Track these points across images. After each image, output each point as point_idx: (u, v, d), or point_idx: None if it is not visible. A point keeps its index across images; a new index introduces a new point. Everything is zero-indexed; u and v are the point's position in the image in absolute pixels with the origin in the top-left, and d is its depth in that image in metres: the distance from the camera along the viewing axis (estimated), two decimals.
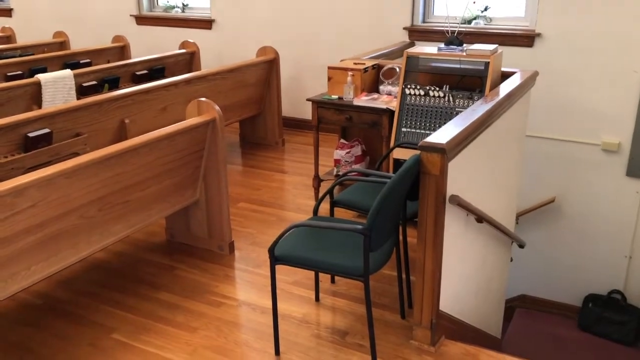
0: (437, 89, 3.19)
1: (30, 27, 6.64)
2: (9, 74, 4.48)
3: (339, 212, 2.81)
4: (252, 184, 4.18)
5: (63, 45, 5.65)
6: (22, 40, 6.15)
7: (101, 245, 2.67)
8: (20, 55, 5.05)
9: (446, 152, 2.08)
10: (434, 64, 3.29)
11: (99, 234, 2.59)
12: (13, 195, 2.10)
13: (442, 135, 2.19)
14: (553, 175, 4.46)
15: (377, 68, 3.75)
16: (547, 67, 4.09)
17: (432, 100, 3.19)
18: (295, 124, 5.36)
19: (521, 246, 3.61)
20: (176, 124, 2.82)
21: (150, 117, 3.79)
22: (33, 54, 5.11)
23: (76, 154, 3.18)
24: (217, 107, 2.96)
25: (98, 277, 2.97)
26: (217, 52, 5.60)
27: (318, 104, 3.62)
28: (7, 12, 6.92)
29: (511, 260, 3.76)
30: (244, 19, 5.46)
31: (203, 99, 2.98)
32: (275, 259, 2.20)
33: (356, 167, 3.74)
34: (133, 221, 2.78)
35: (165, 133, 2.72)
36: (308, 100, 3.66)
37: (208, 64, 5.29)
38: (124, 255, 3.19)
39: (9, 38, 6.04)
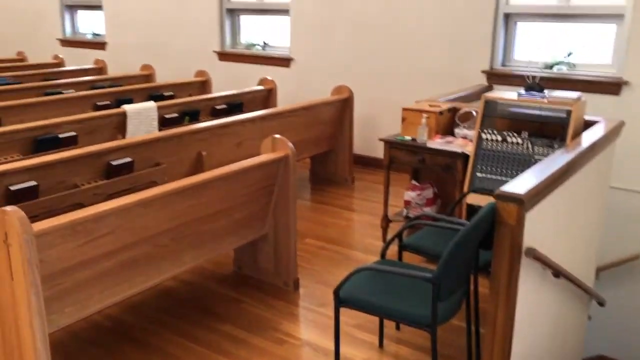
0: (515, 135, 3.10)
1: (121, 60, 7.05)
2: (98, 103, 4.75)
3: (408, 256, 2.75)
4: (321, 221, 4.19)
5: (149, 77, 5.95)
6: (112, 72, 6.54)
7: (171, 274, 2.74)
8: (110, 86, 5.36)
9: (524, 202, 2.00)
10: (512, 110, 3.20)
11: (170, 263, 2.65)
12: (94, 222, 2.20)
13: (520, 184, 2.11)
14: (639, 230, 4.20)
15: (453, 111, 3.70)
16: (635, 116, 3.90)
17: (510, 147, 3.10)
18: (366, 162, 5.35)
19: (601, 304, 3.39)
20: (250, 159, 2.88)
21: (226, 151, 3.89)
22: (121, 85, 5.41)
23: (155, 183, 3.31)
24: (290, 145, 3.00)
25: (166, 304, 3.04)
26: (293, 90, 5.72)
27: (390, 145, 3.60)
28: (102, 46, 7.39)
29: (589, 318, 3.54)
30: (321, 58, 5.57)
31: (278, 136, 3.04)
32: (340, 301, 2.17)
33: (427, 210, 3.67)
34: (203, 251, 2.84)
35: (238, 168, 2.79)
36: (381, 140, 3.65)
37: (284, 100, 5.42)
38: (192, 284, 3.24)
39: (101, 70, 6.43)
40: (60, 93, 5.14)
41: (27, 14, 8.17)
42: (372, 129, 5.27)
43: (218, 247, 2.92)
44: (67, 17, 7.85)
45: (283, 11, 5.85)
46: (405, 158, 3.58)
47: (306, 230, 3.98)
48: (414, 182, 3.81)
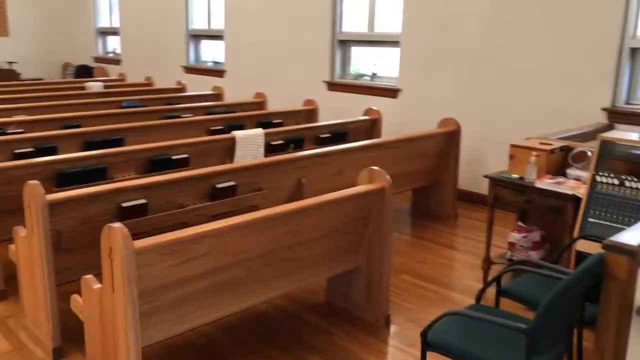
0: (636, 180, 2.84)
1: (237, 87, 7.41)
2: (211, 128, 5.01)
3: (506, 303, 2.59)
4: (418, 257, 4.08)
5: (261, 105, 6.19)
6: (228, 98, 6.88)
7: (263, 299, 2.78)
8: (224, 112, 5.64)
9: (637, 255, 1.81)
10: (634, 152, 2.95)
11: (262, 287, 2.69)
12: (191, 242, 2.28)
13: (635, 235, 1.92)
14: None
15: (566, 150, 3.48)
16: None
17: (628, 192, 2.84)
18: (472, 198, 5.17)
19: None
20: (346, 189, 2.88)
21: (325, 179, 3.93)
22: (235, 112, 5.67)
23: (255, 207, 3.40)
24: (387, 177, 2.96)
25: (258, 328, 3.08)
26: (399, 121, 5.69)
27: (496, 182, 3.44)
28: (221, 73, 7.82)
29: None
30: (429, 89, 5.50)
31: (375, 167, 3.01)
32: (427, 344, 2.08)
33: (533, 254, 3.45)
34: (296, 278, 2.85)
35: (333, 198, 2.78)
36: (485, 177, 3.50)
37: (390, 131, 5.39)
38: (284, 310, 3.27)
39: (218, 96, 6.79)
40: (179, 117, 5.48)
41: (157, 43, 8.86)
42: (479, 164, 5.09)
43: (310, 275, 2.92)
44: (191, 46, 8.42)
45: (393, 42, 5.86)
46: (511, 197, 3.41)
47: (403, 265, 3.89)
48: (520, 223, 3.60)
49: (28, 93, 6.60)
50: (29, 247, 2.79)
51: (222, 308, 2.56)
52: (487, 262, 3.57)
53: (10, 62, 9.48)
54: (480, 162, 5.12)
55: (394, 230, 4.54)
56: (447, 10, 5.27)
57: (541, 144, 3.46)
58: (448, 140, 4.71)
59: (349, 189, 2.91)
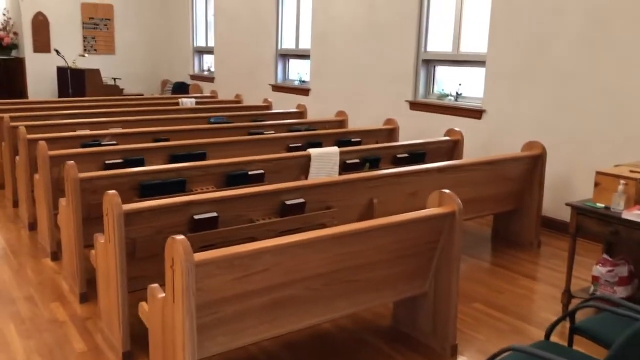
0: None
1: (320, 105, 7.50)
2: (290, 145, 5.09)
3: (581, 342, 2.40)
4: (494, 285, 3.89)
5: (342, 123, 6.21)
6: (311, 116, 6.98)
7: (324, 319, 2.75)
8: (305, 130, 5.71)
9: None
10: None
11: (322, 307, 2.66)
12: (250, 258, 2.31)
13: None
14: None
15: None
16: None
17: None
18: (556, 226, 4.88)
19: None
20: (413, 212, 2.80)
21: (398, 200, 3.86)
22: (315, 130, 5.73)
23: (324, 225, 3.40)
24: (458, 201, 2.85)
25: (319, 347, 3.05)
26: (482, 143, 5.50)
27: (578, 211, 3.23)
28: (306, 92, 7.95)
29: None
30: (515, 110, 5.28)
31: (446, 190, 2.91)
32: None
33: (619, 290, 3.19)
34: (358, 300, 2.80)
35: (400, 220, 2.72)
36: (567, 205, 3.29)
37: (472, 153, 5.23)
38: (348, 331, 3.22)
39: (302, 114, 6.90)
40: (262, 133, 5.62)
41: (248, 62, 9.17)
42: (566, 190, 4.81)
43: (373, 298, 2.86)
44: (279, 65, 8.63)
45: (479, 62, 5.70)
46: (595, 228, 3.18)
47: (476, 293, 3.73)
48: (605, 256, 3.35)
49: (126, 107, 7.04)
50: (106, 253, 2.95)
51: (281, 325, 2.56)
52: (567, 296, 3.35)
53: (115, 79, 10.17)
54: (566, 188, 4.83)
55: (471, 256, 4.38)
56: (535, 29, 5.06)
57: (631, 172, 3.21)
58: (532, 164, 4.49)
59: (416, 212, 2.83)
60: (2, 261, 4.14)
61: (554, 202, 4.86)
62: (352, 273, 2.68)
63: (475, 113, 5.65)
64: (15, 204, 5.34)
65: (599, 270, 3.28)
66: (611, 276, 3.23)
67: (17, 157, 4.93)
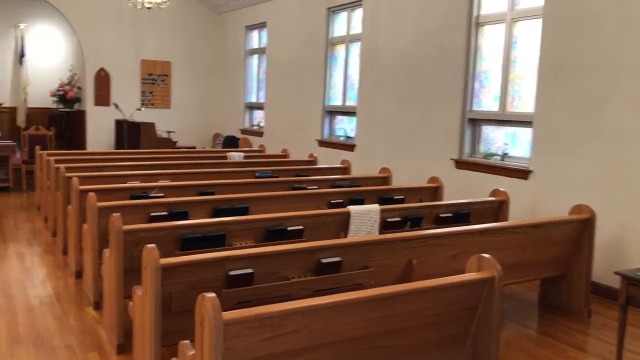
0: None
1: (365, 161, 7.53)
2: (332, 201, 5.09)
3: None
4: (540, 355, 3.70)
5: (385, 180, 6.20)
6: (355, 172, 7.00)
7: None
8: (348, 186, 5.72)
9: None
10: None
11: None
12: (280, 318, 2.29)
13: None
14: None
15: None
16: None
17: None
18: (609, 294, 4.63)
19: None
20: (451, 277, 2.73)
21: (439, 262, 3.77)
22: (358, 186, 5.73)
23: (360, 286, 3.34)
24: (498, 266, 2.76)
25: None
26: (528, 204, 5.37)
27: (628, 280, 3.07)
28: (351, 147, 8.02)
29: None
30: (563, 173, 5.15)
31: (486, 255, 2.83)
32: None
33: None
34: None
35: (436, 284, 2.66)
36: (616, 273, 3.14)
37: (518, 214, 5.10)
38: None
39: (346, 169, 6.94)
40: (305, 188, 5.66)
41: (296, 118, 9.37)
42: (618, 256, 4.59)
43: None
44: (326, 121, 8.78)
45: (526, 122, 5.63)
46: None
47: None
48: None
49: (177, 160, 7.26)
50: (143, 306, 2.98)
51: None
52: None
53: (169, 132, 10.55)
54: (619, 253, 4.62)
55: (516, 323, 4.21)
56: (586, 89, 4.98)
57: None
58: (581, 228, 4.33)
59: (454, 276, 2.76)
60: (47, 308, 4.25)
61: (606, 269, 4.64)
62: (385, 338, 2.61)
63: (522, 173, 5.54)
64: (65, 251, 5.52)
65: None
66: None
67: (69, 207, 5.12)
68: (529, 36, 5.73)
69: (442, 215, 4.73)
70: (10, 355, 3.47)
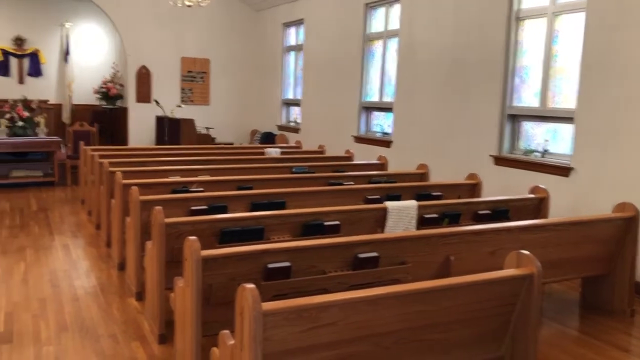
0: None
1: (402, 157, 7.50)
2: (368, 197, 5.10)
3: None
4: (580, 355, 3.64)
5: (423, 176, 6.17)
6: (392, 168, 6.99)
7: None
8: (385, 182, 5.72)
9: None
10: None
11: None
12: (318, 310, 2.32)
13: None
14: None
15: None
16: None
17: None
18: None
19: None
20: (489, 272, 2.72)
21: (476, 258, 3.74)
22: (395, 182, 5.73)
23: (397, 281, 3.35)
24: (537, 263, 2.73)
25: None
26: (569, 202, 5.26)
27: None
28: (388, 143, 8.00)
29: None
30: (606, 170, 5.03)
31: (525, 251, 2.81)
32: None
33: None
34: None
35: (474, 280, 2.65)
36: None
37: (557, 212, 5.00)
38: None
39: (382, 165, 6.93)
40: (341, 184, 5.68)
41: (332, 114, 9.40)
42: None
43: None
44: (362, 117, 8.78)
45: (567, 118, 5.52)
46: None
47: None
48: None
49: (216, 156, 7.39)
50: (184, 297, 3.06)
51: None
52: None
53: (208, 128, 10.72)
54: None
55: (556, 321, 4.15)
56: (629, 84, 4.85)
57: None
58: (624, 227, 4.23)
59: (492, 272, 2.75)
60: (92, 298, 4.39)
61: None
62: (423, 332, 2.62)
63: (563, 170, 5.44)
64: (108, 244, 5.69)
65: None
66: None
67: (113, 201, 5.28)
68: (571, 30, 5.61)
69: (480, 212, 4.68)
70: (59, 343, 3.61)
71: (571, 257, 4.14)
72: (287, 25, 11.17)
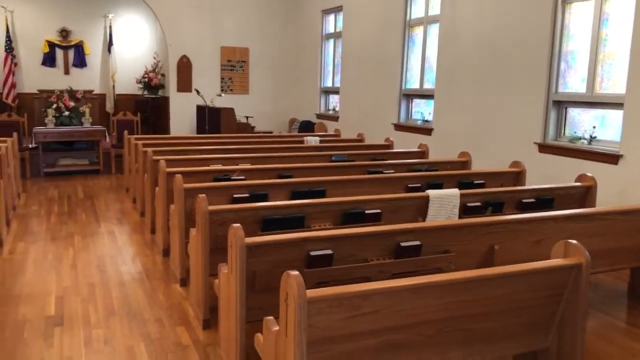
0: None
1: (443, 145, 7.41)
2: (409, 185, 5.06)
3: None
4: (628, 347, 3.55)
5: (465, 164, 6.08)
6: (432, 156, 6.91)
7: None
8: (426, 170, 5.66)
9: None
10: None
11: (436, 354, 2.59)
12: (361, 298, 2.32)
13: None
14: None
15: None
16: None
17: None
18: None
19: None
20: (535, 262, 2.67)
21: (521, 248, 3.68)
22: (436, 170, 5.66)
23: (440, 270, 3.32)
24: (586, 253, 2.67)
25: None
26: (618, 190, 5.11)
27: None
28: (428, 131, 7.91)
29: None
30: None
31: (572, 241, 2.74)
32: None
33: None
34: (473, 351, 2.69)
35: (520, 270, 2.60)
36: None
37: (605, 201, 4.87)
38: None
39: (423, 153, 6.85)
40: (381, 172, 5.66)
41: (371, 102, 9.34)
42: None
43: (490, 350, 2.73)
44: (402, 104, 8.69)
45: (616, 104, 5.34)
46: None
47: (607, 355, 3.43)
48: None
49: (256, 144, 7.44)
50: (228, 283, 3.11)
51: None
52: None
53: (247, 117, 10.81)
54: None
55: (604, 312, 4.05)
56: None
57: None
58: None
59: (539, 262, 2.69)
60: (138, 284, 4.51)
61: None
62: (468, 321, 2.59)
63: (611, 158, 5.28)
64: (153, 231, 5.82)
65: None
66: None
67: (157, 188, 5.39)
68: (622, 13, 5.41)
69: (524, 200, 4.59)
70: (107, 326, 3.73)
71: (619, 247, 4.03)
72: (326, 12, 11.12)
